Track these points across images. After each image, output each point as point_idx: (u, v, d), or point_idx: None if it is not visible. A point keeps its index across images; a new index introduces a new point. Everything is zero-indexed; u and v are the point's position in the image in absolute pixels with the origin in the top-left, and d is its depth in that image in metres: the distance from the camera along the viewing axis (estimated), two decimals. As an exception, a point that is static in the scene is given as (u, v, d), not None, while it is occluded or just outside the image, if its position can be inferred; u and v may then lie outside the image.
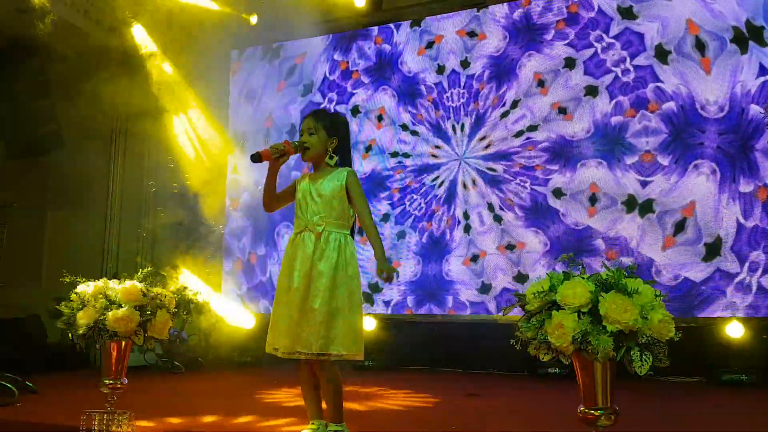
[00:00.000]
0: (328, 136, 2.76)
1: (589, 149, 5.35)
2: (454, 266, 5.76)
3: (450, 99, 5.82)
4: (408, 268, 5.90)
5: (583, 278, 2.04)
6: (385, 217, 6.00)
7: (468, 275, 5.69)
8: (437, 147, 5.89)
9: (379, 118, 6.16)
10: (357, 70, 6.28)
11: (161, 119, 6.34)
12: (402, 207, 5.98)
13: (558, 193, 5.45)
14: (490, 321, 5.56)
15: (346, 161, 2.82)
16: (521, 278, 5.50)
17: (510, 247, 5.57)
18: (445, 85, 5.86)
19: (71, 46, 5.72)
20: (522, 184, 5.49)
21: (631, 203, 5.19)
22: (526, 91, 5.61)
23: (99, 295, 2.84)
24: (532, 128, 5.55)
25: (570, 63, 5.46)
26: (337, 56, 6.40)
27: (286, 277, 2.66)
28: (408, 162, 6.01)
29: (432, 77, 5.98)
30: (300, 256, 2.62)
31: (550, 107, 5.49)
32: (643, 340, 1.90)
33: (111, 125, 6.85)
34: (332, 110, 6.19)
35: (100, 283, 2.91)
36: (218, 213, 6.65)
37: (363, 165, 6.15)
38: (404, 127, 6.06)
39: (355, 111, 6.25)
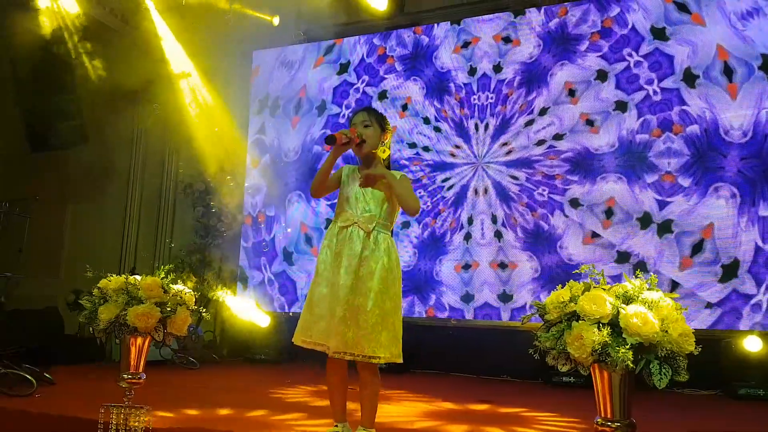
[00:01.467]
0: (381, 130, 2.81)
1: (612, 164, 5.36)
2: (446, 269, 5.81)
3: (478, 100, 5.85)
4: (402, 257, 5.96)
5: (604, 290, 2.05)
6: None
7: (456, 281, 5.75)
8: (457, 147, 5.91)
9: (404, 107, 6.21)
10: (393, 56, 6.32)
11: (180, 106, 6.42)
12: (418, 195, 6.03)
13: (575, 203, 5.46)
14: (504, 327, 5.57)
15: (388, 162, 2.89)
16: (505, 297, 5.55)
17: (502, 265, 5.63)
18: (475, 87, 5.88)
19: (93, 39, 5.81)
20: (539, 194, 5.49)
21: (645, 220, 5.20)
22: (555, 99, 5.63)
23: (121, 291, 2.88)
24: (558, 137, 5.56)
25: (602, 75, 5.47)
26: (376, 40, 6.44)
27: (330, 268, 2.64)
28: (426, 156, 6.05)
29: (463, 77, 6.00)
30: (347, 251, 2.62)
31: (579, 118, 5.50)
32: (662, 354, 1.91)
33: (132, 116, 6.91)
34: (361, 91, 6.27)
35: (123, 278, 2.95)
36: (237, 208, 6.70)
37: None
38: (426, 121, 6.10)
39: (383, 95, 6.29)
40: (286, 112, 6.71)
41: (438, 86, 6.08)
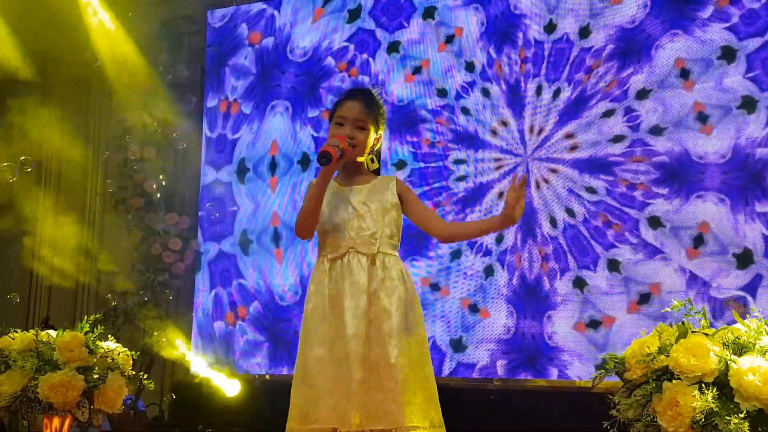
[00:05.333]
0: (375, 132, 2.83)
1: (715, 179, 5.33)
2: (415, 273, 5.79)
3: (547, 68, 5.81)
4: None
5: (707, 335, 2.05)
6: (401, 164, 6.11)
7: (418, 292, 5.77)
8: (503, 123, 5.88)
9: (450, 39, 6.19)
10: (462, -36, 6.31)
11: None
12: (425, 166, 6.06)
13: (655, 222, 5.45)
14: (559, 389, 5.55)
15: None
16: (456, 345, 5.61)
17: (474, 309, 5.67)
18: (547, 49, 5.85)
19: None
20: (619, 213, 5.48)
21: (744, 259, 5.18)
22: (662, 79, 5.59)
23: (29, 352, 2.90)
24: (657, 131, 5.53)
25: (728, 54, 5.44)
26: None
27: (327, 319, 2.62)
28: (460, 119, 6.01)
29: (537, 31, 5.96)
30: (348, 288, 2.62)
31: (691, 108, 5.48)
32: (792, 424, 1.91)
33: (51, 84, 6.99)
34: None
35: (31, 334, 2.96)
36: (189, 226, 6.72)
37: (402, 89, 6.19)
38: (470, 67, 6.07)
39: (428, 13, 6.25)
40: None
41: (502, 30, 6.01)
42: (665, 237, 5.44)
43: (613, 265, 5.42)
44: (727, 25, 5.45)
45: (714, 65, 5.44)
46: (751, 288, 5.18)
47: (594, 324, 5.50)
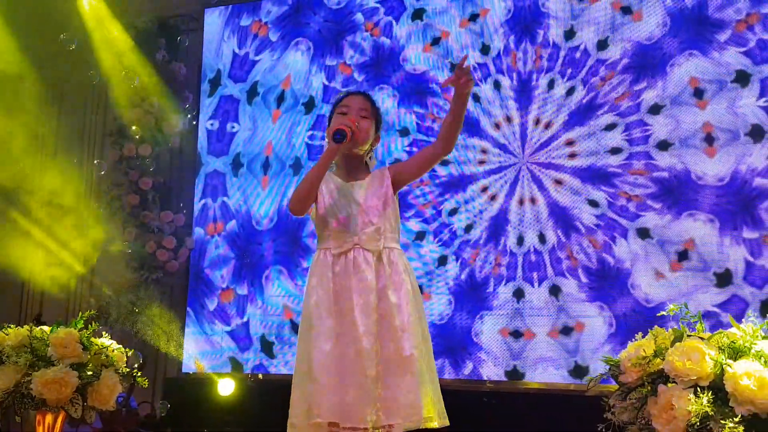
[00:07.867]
0: (376, 130, 2.88)
1: (708, 200, 5.37)
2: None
3: (561, 71, 5.80)
4: None
5: (702, 339, 2.05)
6: (404, 131, 6.16)
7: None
8: (508, 119, 5.88)
9: (473, 17, 6.19)
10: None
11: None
12: (426, 139, 6.11)
13: (644, 233, 5.49)
14: (563, 392, 5.55)
15: None
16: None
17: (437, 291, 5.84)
18: (562, 55, 5.86)
19: None
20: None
21: (724, 279, 5.23)
22: (675, 96, 5.61)
23: (22, 348, 2.89)
24: (663, 146, 5.55)
25: (743, 78, 5.46)
26: None
27: (331, 316, 2.63)
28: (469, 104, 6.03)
29: (557, 34, 5.95)
30: (356, 285, 2.62)
31: (701, 128, 5.50)
32: (787, 428, 1.91)
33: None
34: None
35: (25, 330, 2.95)
36: (185, 228, 6.71)
37: (420, 58, 6.21)
38: (485, 50, 6.07)
39: None
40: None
41: (527, 24, 6.00)
42: (651, 248, 5.50)
43: (554, 291, 5.56)
44: (744, 49, 5.48)
45: (728, 87, 5.46)
46: (726, 306, 5.25)
47: (516, 334, 5.69)
